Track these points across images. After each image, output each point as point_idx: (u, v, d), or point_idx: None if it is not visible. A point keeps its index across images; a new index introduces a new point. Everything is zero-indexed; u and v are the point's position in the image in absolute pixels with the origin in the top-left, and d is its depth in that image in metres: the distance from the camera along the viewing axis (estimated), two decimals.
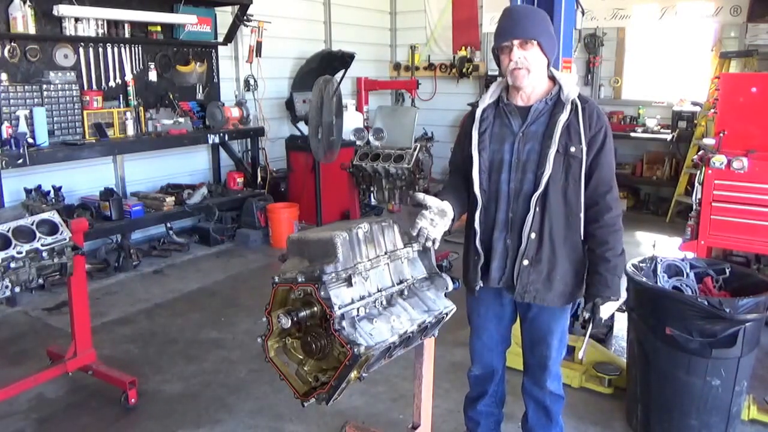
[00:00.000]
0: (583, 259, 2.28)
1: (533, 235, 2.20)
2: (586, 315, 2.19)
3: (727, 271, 2.97)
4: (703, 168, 3.86)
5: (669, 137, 6.96)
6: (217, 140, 6.04)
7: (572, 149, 2.15)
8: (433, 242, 2.10)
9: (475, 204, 2.26)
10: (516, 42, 2.12)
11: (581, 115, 2.16)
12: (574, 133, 2.15)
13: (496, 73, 8.53)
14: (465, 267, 2.39)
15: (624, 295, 2.39)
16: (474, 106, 2.33)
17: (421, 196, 2.14)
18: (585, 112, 2.17)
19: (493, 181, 2.24)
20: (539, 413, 2.50)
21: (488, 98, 2.29)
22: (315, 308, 1.84)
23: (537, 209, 2.18)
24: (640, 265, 3.02)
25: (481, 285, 2.31)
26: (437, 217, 2.11)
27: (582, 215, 2.20)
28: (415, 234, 2.09)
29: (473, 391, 2.63)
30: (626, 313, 3.07)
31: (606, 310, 2.20)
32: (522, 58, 2.12)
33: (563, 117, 2.15)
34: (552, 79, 2.24)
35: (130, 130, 5.37)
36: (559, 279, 2.25)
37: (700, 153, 4.27)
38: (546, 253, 2.21)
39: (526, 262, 2.22)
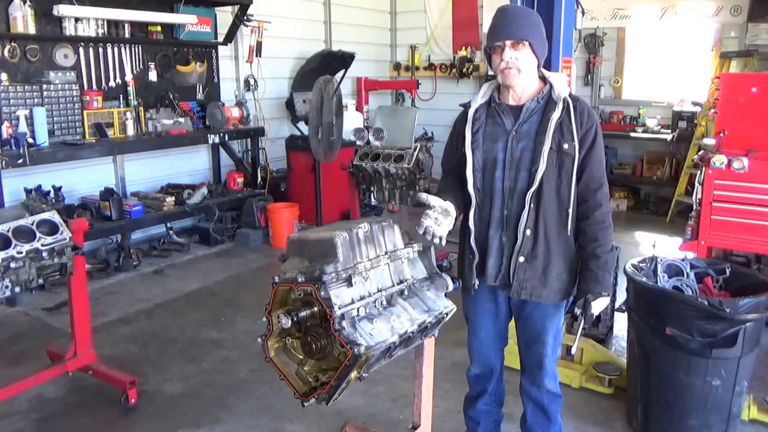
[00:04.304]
0: (575, 254, 2.29)
1: (528, 232, 2.21)
2: (578, 311, 2.20)
3: (728, 271, 2.97)
4: (704, 168, 3.86)
5: (669, 137, 6.97)
6: (217, 140, 6.04)
7: (565, 146, 2.17)
8: (440, 239, 2.11)
9: (470, 203, 2.28)
10: (508, 42, 2.15)
11: (573, 112, 2.19)
12: (566, 131, 2.18)
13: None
14: (461, 266, 2.40)
15: (621, 296, 2.39)
16: (466, 106, 2.36)
17: (424, 196, 2.15)
18: (576, 110, 2.19)
19: (487, 179, 2.26)
20: (537, 413, 2.50)
21: (480, 98, 2.32)
22: (315, 308, 1.84)
23: (532, 206, 2.20)
24: (641, 265, 3.02)
25: (478, 283, 2.32)
26: (441, 216, 2.13)
27: (572, 211, 2.22)
28: (421, 232, 2.10)
29: (472, 391, 2.64)
30: (626, 313, 3.07)
31: (597, 305, 2.21)
32: (513, 59, 2.15)
33: (556, 115, 2.18)
34: (543, 78, 2.26)
35: (130, 130, 5.37)
36: (555, 275, 2.26)
37: (700, 153, 4.27)
38: (541, 250, 2.23)
39: (521, 259, 2.23)
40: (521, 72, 2.17)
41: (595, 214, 2.22)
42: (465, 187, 2.28)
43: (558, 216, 2.22)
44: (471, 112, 2.30)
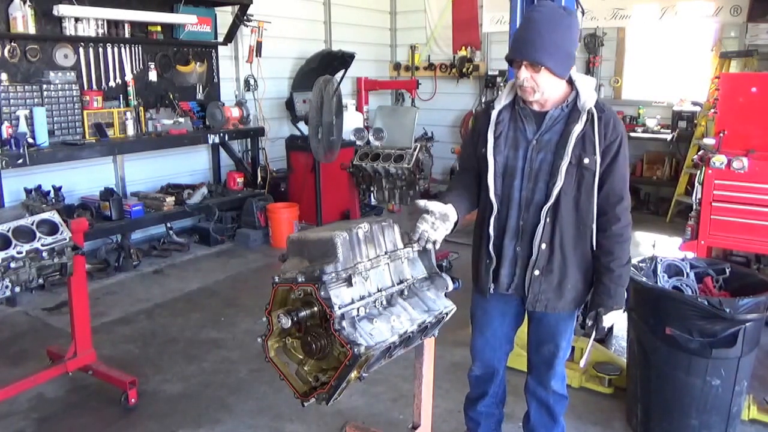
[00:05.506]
0: (591, 264, 2.27)
1: (544, 246, 2.18)
2: (589, 323, 2.19)
3: (727, 271, 2.97)
4: (703, 168, 3.86)
5: (669, 137, 6.97)
6: (217, 140, 6.04)
7: (586, 161, 2.11)
8: (434, 243, 2.09)
9: (490, 209, 2.24)
10: (525, 62, 2.07)
11: (597, 124, 2.11)
12: (588, 144, 2.11)
13: (496, 73, 8.47)
14: (475, 269, 2.38)
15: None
16: (489, 104, 2.29)
17: (422, 203, 2.11)
18: (601, 122, 2.11)
19: (506, 186, 2.22)
20: (542, 412, 2.50)
21: (504, 99, 2.25)
22: (315, 308, 1.84)
23: (547, 220, 2.16)
24: (640, 265, 3.03)
25: (493, 287, 2.31)
26: (438, 221, 2.10)
27: (591, 224, 2.19)
28: (416, 238, 2.08)
29: (473, 392, 2.63)
30: (626, 313, 3.07)
31: (609, 319, 2.20)
32: (529, 78, 2.08)
33: (578, 127, 2.10)
34: (570, 83, 2.17)
35: (130, 130, 5.36)
36: (570, 287, 2.24)
37: (700, 153, 4.27)
38: (557, 263, 2.21)
39: (537, 272, 2.21)
40: (537, 91, 2.10)
41: (613, 228, 2.18)
42: (485, 192, 2.24)
43: (575, 229, 2.19)
44: (494, 115, 2.23)
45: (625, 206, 2.20)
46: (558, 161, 2.12)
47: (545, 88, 2.10)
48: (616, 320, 2.24)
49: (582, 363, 2.46)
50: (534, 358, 2.46)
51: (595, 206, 2.17)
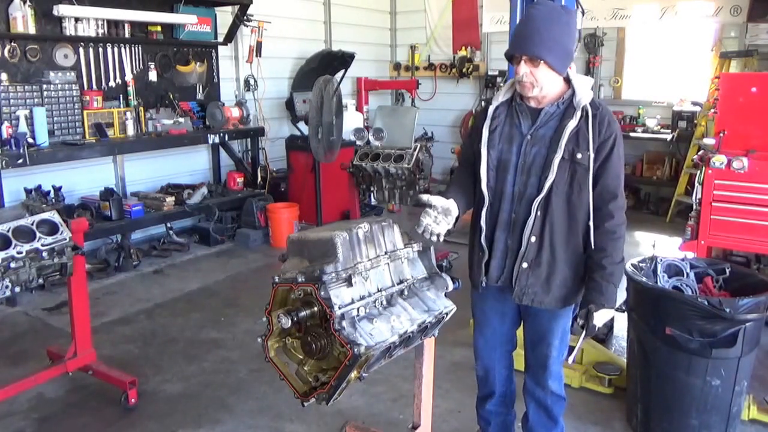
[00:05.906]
0: (585, 263, 2.26)
1: (533, 239, 2.20)
2: (580, 321, 2.18)
3: (727, 271, 2.97)
4: (703, 168, 3.86)
5: (669, 137, 6.97)
6: (217, 140, 6.04)
7: (578, 156, 2.13)
8: (438, 237, 2.12)
9: (482, 202, 2.27)
10: (524, 57, 2.10)
11: (591, 121, 2.13)
12: (582, 140, 2.13)
13: (497, 73, 8.46)
14: (470, 263, 2.40)
15: (623, 296, 2.38)
16: (488, 101, 2.33)
17: (425, 197, 2.14)
18: (596, 119, 2.14)
19: (500, 180, 2.25)
20: (540, 413, 2.50)
21: (502, 96, 2.29)
22: (315, 308, 1.84)
23: (538, 213, 2.18)
24: (640, 265, 3.02)
25: (486, 281, 2.32)
26: (441, 216, 2.13)
27: (583, 220, 2.19)
28: (420, 231, 2.10)
29: (480, 391, 2.63)
30: (626, 313, 3.08)
31: (600, 317, 2.17)
32: (528, 74, 2.10)
33: (572, 123, 2.13)
34: (567, 81, 2.20)
35: (130, 130, 5.37)
36: (559, 283, 2.25)
37: (700, 153, 4.27)
38: (546, 257, 2.21)
39: (525, 265, 2.22)
40: (536, 87, 2.13)
41: (606, 224, 2.18)
42: (478, 185, 2.27)
43: (567, 225, 2.20)
44: (491, 110, 2.28)
45: (619, 204, 2.20)
46: (551, 155, 2.15)
47: (544, 83, 2.13)
48: (607, 319, 2.22)
49: (570, 359, 2.44)
50: (529, 357, 2.47)
51: (589, 203, 2.18)
